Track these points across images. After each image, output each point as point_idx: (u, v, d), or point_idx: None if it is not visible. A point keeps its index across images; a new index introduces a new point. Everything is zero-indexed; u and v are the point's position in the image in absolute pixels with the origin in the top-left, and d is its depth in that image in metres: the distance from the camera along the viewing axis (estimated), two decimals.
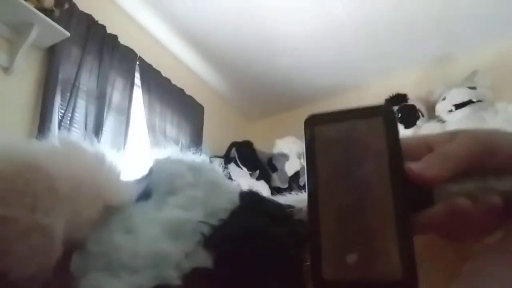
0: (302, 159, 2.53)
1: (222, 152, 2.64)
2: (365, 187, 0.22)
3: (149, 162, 0.36)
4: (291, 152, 2.65)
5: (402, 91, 2.49)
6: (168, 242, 0.27)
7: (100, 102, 1.89)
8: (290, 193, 0.38)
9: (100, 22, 1.99)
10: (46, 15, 1.59)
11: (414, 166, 0.22)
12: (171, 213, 0.29)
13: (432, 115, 2.41)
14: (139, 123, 2.20)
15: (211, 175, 0.34)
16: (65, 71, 1.75)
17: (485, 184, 0.22)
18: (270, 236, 0.27)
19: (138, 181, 0.35)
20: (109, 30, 2.04)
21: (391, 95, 2.50)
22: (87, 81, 1.86)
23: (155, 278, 0.25)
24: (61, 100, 1.71)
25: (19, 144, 0.29)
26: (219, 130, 2.94)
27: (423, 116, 2.39)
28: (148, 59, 2.29)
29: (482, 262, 0.23)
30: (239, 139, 2.68)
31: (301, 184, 2.46)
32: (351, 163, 0.23)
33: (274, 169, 2.64)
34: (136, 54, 2.21)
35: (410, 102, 2.44)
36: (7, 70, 1.59)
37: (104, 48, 1.97)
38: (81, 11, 1.89)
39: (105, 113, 1.89)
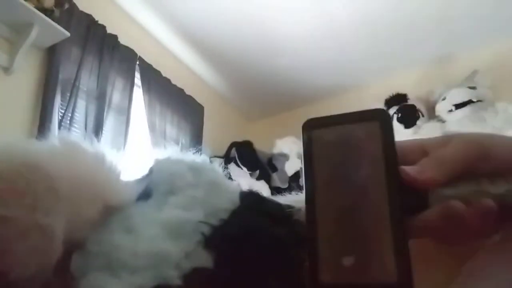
0: (301, 160, 2.51)
1: (222, 152, 2.64)
2: (361, 190, 0.22)
3: (149, 162, 0.36)
4: (291, 152, 2.64)
5: (402, 91, 2.49)
6: (168, 242, 0.27)
7: (100, 102, 1.89)
8: (290, 193, 0.38)
9: (100, 22, 1.99)
10: (46, 15, 1.59)
11: (409, 170, 0.22)
12: (171, 213, 0.29)
13: (432, 115, 2.41)
14: (139, 123, 2.20)
15: (211, 175, 0.34)
16: (65, 71, 1.75)
17: (479, 188, 0.22)
18: (270, 236, 0.27)
19: (138, 181, 0.35)
20: (109, 30, 2.04)
21: (391, 95, 2.50)
22: (87, 81, 1.86)
23: (155, 278, 0.25)
24: (61, 100, 1.71)
25: (19, 144, 0.29)
26: (219, 130, 2.94)
27: (423, 116, 2.39)
28: (148, 59, 2.29)
29: (481, 263, 0.23)
30: (239, 139, 2.68)
31: (301, 184, 2.46)
32: (347, 166, 0.23)
33: (274, 169, 2.64)
34: (136, 54, 2.21)
35: (410, 102, 2.44)
36: (7, 70, 1.59)
37: (104, 48, 1.97)
38: (81, 11, 1.89)
39: (105, 113, 1.89)
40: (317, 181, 0.23)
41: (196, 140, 2.57)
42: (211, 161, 0.38)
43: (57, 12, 1.65)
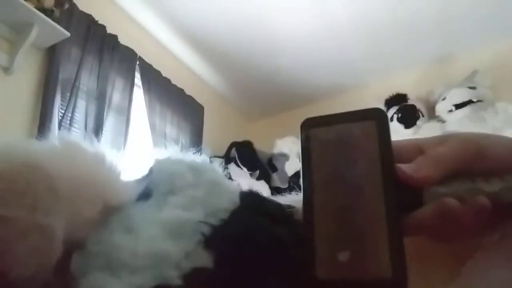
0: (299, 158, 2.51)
1: (222, 152, 2.64)
2: (357, 188, 0.23)
3: (149, 162, 0.36)
4: (291, 152, 2.64)
5: (402, 91, 2.49)
6: (168, 242, 0.27)
7: (100, 102, 1.89)
8: (290, 193, 0.38)
9: (100, 22, 1.99)
10: (46, 15, 1.59)
11: (405, 168, 0.23)
12: (171, 213, 0.29)
13: (432, 115, 2.41)
14: (139, 123, 2.20)
15: (211, 175, 0.34)
16: (65, 71, 1.75)
17: (474, 186, 0.23)
18: (270, 236, 0.27)
19: (138, 181, 0.35)
20: (109, 30, 2.04)
21: (391, 95, 2.50)
22: (87, 81, 1.86)
23: (155, 278, 0.25)
24: (61, 100, 1.71)
25: (19, 144, 0.29)
26: (219, 130, 2.94)
27: (423, 116, 2.39)
28: (148, 59, 2.29)
29: (480, 263, 0.23)
30: (239, 139, 2.68)
31: (301, 183, 2.45)
32: (344, 164, 0.24)
33: (274, 169, 2.64)
34: (136, 54, 2.21)
35: (410, 102, 2.44)
36: (7, 70, 1.59)
37: (104, 48, 1.97)
38: (81, 11, 1.89)
39: (105, 113, 1.89)
40: (315, 178, 0.24)
41: (196, 140, 2.57)
42: (211, 161, 0.38)
43: (57, 12, 1.65)
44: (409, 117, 2.36)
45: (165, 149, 0.38)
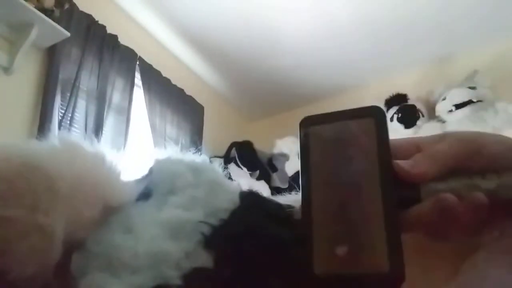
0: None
1: (222, 152, 2.64)
2: (356, 184, 0.23)
3: (149, 162, 0.36)
4: (291, 152, 2.64)
5: (402, 91, 2.49)
6: (168, 242, 0.27)
7: (100, 102, 1.89)
8: (290, 193, 0.38)
9: (100, 22, 1.99)
10: (46, 15, 1.59)
11: (403, 164, 0.23)
12: (171, 213, 0.29)
13: (432, 115, 2.41)
14: (139, 123, 2.20)
15: (211, 175, 0.34)
16: (65, 71, 1.75)
17: (471, 183, 0.23)
18: (270, 236, 0.27)
19: (138, 181, 0.35)
20: (109, 30, 2.04)
21: (391, 95, 2.50)
22: (87, 81, 1.86)
23: (155, 278, 0.25)
24: (61, 100, 1.71)
25: (19, 144, 0.29)
26: (219, 130, 2.94)
27: (423, 116, 2.39)
28: (148, 59, 2.29)
29: (479, 263, 0.23)
30: (239, 139, 2.68)
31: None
32: (343, 161, 0.24)
33: (274, 169, 2.64)
34: (136, 54, 2.21)
35: (410, 102, 2.44)
36: (7, 70, 1.59)
37: (104, 48, 1.97)
38: (81, 11, 1.89)
39: (105, 113, 1.89)
40: (313, 175, 0.24)
41: (196, 140, 2.57)
42: (211, 161, 0.38)
43: (57, 12, 1.66)
44: (409, 117, 2.36)
45: (165, 149, 0.38)
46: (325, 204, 0.23)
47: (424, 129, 2.34)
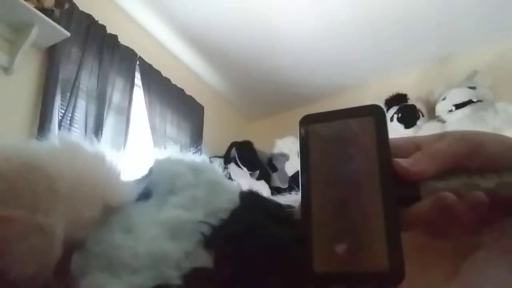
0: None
1: (222, 152, 2.64)
2: (355, 182, 0.23)
3: (149, 162, 0.36)
4: (291, 152, 2.64)
5: (402, 91, 2.49)
6: (168, 242, 0.27)
7: (100, 102, 1.89)
8: (290, 193, 0.38)
9: (100, 22, 1.99)
10: (46, 15, 1.59)
11: (402, 162, 0.23)
12: (171, 213, 0.29)
13: (432, 115, 2.41)
14: (139, 123, 2.20)
15: (211, 175, 0.34)
16: (65, 71, 1.75)
17: (470, 181, 0.23)
18: (270, 236, 0.27)
19: (138, 181, 0.35)
20: (109, 30, 2.04)
21: (391, 95, 2.50)
22: (87, 81, 1.86)
23: (155, 278, 0.25)
24: (61, 100, 1.71)
25: (19, 144, 0.29)
26: (219, 130, 2.94)
27: (423, 116, 2.39)
28: (148, 59, 2.29)
29: (479, 263, 0.23)
30: (239, 139, 2.68)
31: None
32: (342, 159, 0.24)
33: (274, 169, 2.64)
34: (136, 54, 2.21)
35: (410, 102, 2.44)
36: (7, 70, 1.59)
37: (104, 48, 1.97)
38: (81, 11, 1.89)
39: (105, 113, 1.89)
40: (313, 173, 0.24)
41: (196, 140, 2.57)
42: (211, 161, 0.38)
43: (57, 12, 1.65)
44: (409, 117, 2.36)
45: (165, 149, 0.38)
46: (324, 202, 0.23)
47: (424, 129, 2.34)
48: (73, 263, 0.27)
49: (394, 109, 2.41)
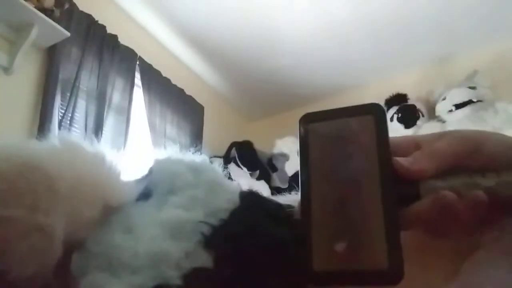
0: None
1: (222, 152, 2.64)
2: (355, 181, 0.23)
3: (149, 162, 0.36)
4: (291, 152, 2.64)
5: (402, 91, 2.49)
6: (168, 242, 0.27)
7: (100, 102, 1.89)
8: (290, 193, 0.38)
9: (100, 22, 1.99)
10: (46, 15, 1.59)
11: (402, 161, 0.23)
12: (171, 213, 0.29)
13: (432, 115, 2.41)
14: (139, 123, 2.20)
15: (211, 175, 0.34)
16: (65, 71, 1.75)
17: (470, 180, 0.23)
18: (270, 236, 0.27)
19: (138, 181, 0.35)
20: (109, 30, 2.04)
21: (391, 95, 2.50)
22: (87, 81, 1.86)
23: (155, 278, 0.25)
24: (61, 100, 1.71)
25: (19, 144, 0.29)
26: (219, 130, 2.94)
27: (423, 116, 2.39)
28: (148, 59, 2.29)
29: (479, 263, 0.23)
30: (239, 139, 2.68)
31: None
32: (342, 157, 0.24)
33: (274, 169, 2.64)
34: (136, 54, 2.21)
35: (410, 102, 2.44)
36: (7, 70, 1.59)
37: (104, 48, 1.97)
38: (81, 11, 1.89)
39: (105, 113, 1.89)
40: (313, 172, 0.24)
41: (196, 140, 2.57)
42: (211, 161, 0.38)
43: (57, 12, 1.65)
44: (409, 117, 2.36)
45: (165, 149, 0.38)
46: (324, 201, 0.23)
47: (424, 129, 2.34)
48: (73, 263, 0.27)
49: (394, 109, 2.41)
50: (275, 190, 2.47)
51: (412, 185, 0.23)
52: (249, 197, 0.33)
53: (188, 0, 2.23)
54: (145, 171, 0.36)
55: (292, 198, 0.34)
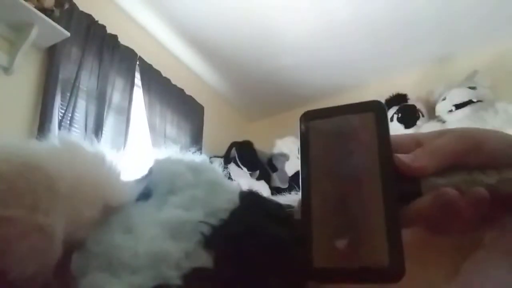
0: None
1: (222, 152, 2.64)
2: (356, 178, 0.23)
3: (149, 162, 0.36)
4: (291, 152, 2.65)
5: (402, 91, 2.49)
6: (168, 242, 0.27)
7: (100, 102, 1.89)
8: (290, 193, 0.38)
9: (100, 22, 1.99)
10: (46, 15, 1.59)
11: (402, 157, 0.23)
12: (171, 213, 0.29)
13: (432, 115, 2.41)
14: (139, 123, 2.20)
15: (211, 175, 0.34)
16: (65, 71, 1.75)
17: (471, 178, 0.23)
18: (270, 236, 0.27)
19: (138, 181, 0.35)
20: (109, 30, 2.04)
21: (391, 95, 2.50)
22: (87, 81, 1.86)
23: (155, 278, 0.25)
24: (61, 100, 1.71)
25: (19, 144, 0.29)
26: (219, 130, 2.94)
27: (423, 116, 2.39)
28: (148, 59, 2.29)
29: (479, 262, 0.23)
30: (239, 139, 2.68)
31: None
32: (343, 155, 0.24)
33: (274, 169, 2.64)
34: (136, 54, 2.21)
35: (410, 102, 2.44)
36: (7, 70, 1.60)
37: (104, 48, 1.97)
38: (81, 11, 1.89)
39: (105, 113, 1.89)
40: (313, 169, 0.24)
41: (196, 140, 2.57)
42: (211, 161, 0.38)
43: (57, 12, 1.66)
44: (409, 117, 2.36)
45: (165, 149, 0.38)
46: (325, 198, 0.23)
47: (424, 129, 2.33)
48: (73, 263, 0.27)
49: (394, 109, 2.41)
50: (275, 190, 2.47)
51: (413, 182, 0.23)
52: (249, 197, 0.33)
53: (188, 0, 2.23)
54: (145, 171, 0.36)
55: (292, 198, 0.34)
